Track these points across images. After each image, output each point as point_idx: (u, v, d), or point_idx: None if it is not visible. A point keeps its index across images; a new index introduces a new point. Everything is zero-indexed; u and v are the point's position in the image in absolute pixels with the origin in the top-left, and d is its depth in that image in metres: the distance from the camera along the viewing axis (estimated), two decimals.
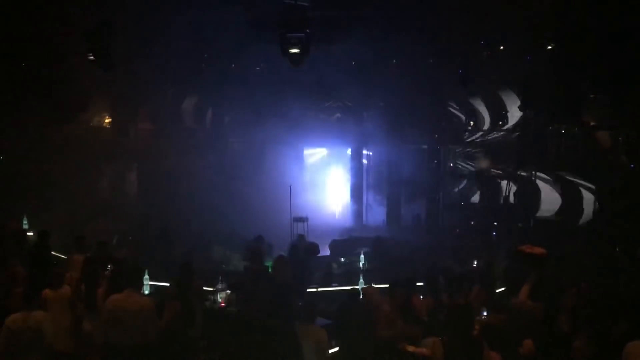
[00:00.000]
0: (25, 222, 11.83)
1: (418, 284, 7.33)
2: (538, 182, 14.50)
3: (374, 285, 8.13)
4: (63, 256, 9.69)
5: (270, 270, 8.27)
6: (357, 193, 17.77)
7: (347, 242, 14.13)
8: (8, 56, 12.13)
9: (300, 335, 6.22)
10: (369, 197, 17.76)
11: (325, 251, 13.06)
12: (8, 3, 11.23)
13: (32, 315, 6.06)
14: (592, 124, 13.69)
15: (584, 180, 13.87)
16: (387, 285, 6.88)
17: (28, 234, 11.17)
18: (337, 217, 18.43)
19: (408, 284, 6.94)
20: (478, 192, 16.93)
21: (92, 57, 10.65)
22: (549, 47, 12.15)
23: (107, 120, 16.38)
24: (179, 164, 16.24)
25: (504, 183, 15.65)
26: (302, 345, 6.21)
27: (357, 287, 8.41)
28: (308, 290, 9.19)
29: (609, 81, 12.01)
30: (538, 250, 6.31)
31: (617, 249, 11.29)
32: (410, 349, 5.91)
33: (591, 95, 13.37)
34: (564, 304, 6.26)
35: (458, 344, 5.25)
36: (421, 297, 7.24)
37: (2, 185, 12.83)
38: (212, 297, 8.20)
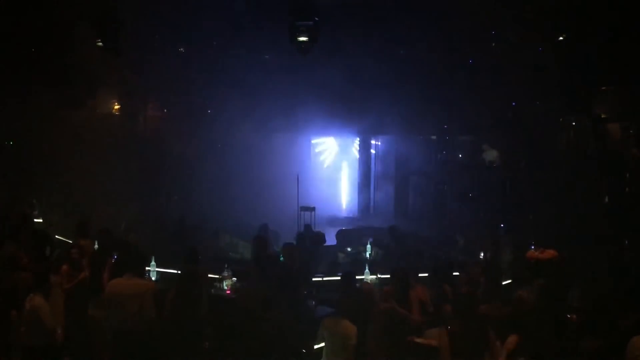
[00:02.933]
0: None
1: (422, 275, 7.32)
2: None
3: (368, 282, 8.16)
4: (69, 241, 9.73)
5: (281, 257, 8.31)
6: (364, 183, 17.73)
7: (354, 231, 14.10)
8: (17, 42, 12.14)
9: (328, 329, 6.20)
10: (376, 187, 17.70)
11: (332, 240, 13.06)
12: None
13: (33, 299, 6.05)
14: (602, 116, 13.57)
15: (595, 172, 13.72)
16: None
17: (37, 220, 11.29)
18: (344, 206, 18.39)
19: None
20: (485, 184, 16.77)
21: (100, 44, 10.66)
22: (560, 38, 12.03)
23: (116, 107, 16.40)
24: (187, 151, 16.26)
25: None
26: (329, 339, 6.19)
27: (349, 272, 8.26)
28: (314, 279, 9.20)
29: (620, 73, 11.89)
30: (547, 254, 5.93)
31: (626, 242, 11.23)
32: (419, 340, 5.91)
33: (602, 87, 13.25)
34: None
35: (464, 333, 5.22)
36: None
37: (12, 170, 12.91)
38: (218, 285, 8.22)
